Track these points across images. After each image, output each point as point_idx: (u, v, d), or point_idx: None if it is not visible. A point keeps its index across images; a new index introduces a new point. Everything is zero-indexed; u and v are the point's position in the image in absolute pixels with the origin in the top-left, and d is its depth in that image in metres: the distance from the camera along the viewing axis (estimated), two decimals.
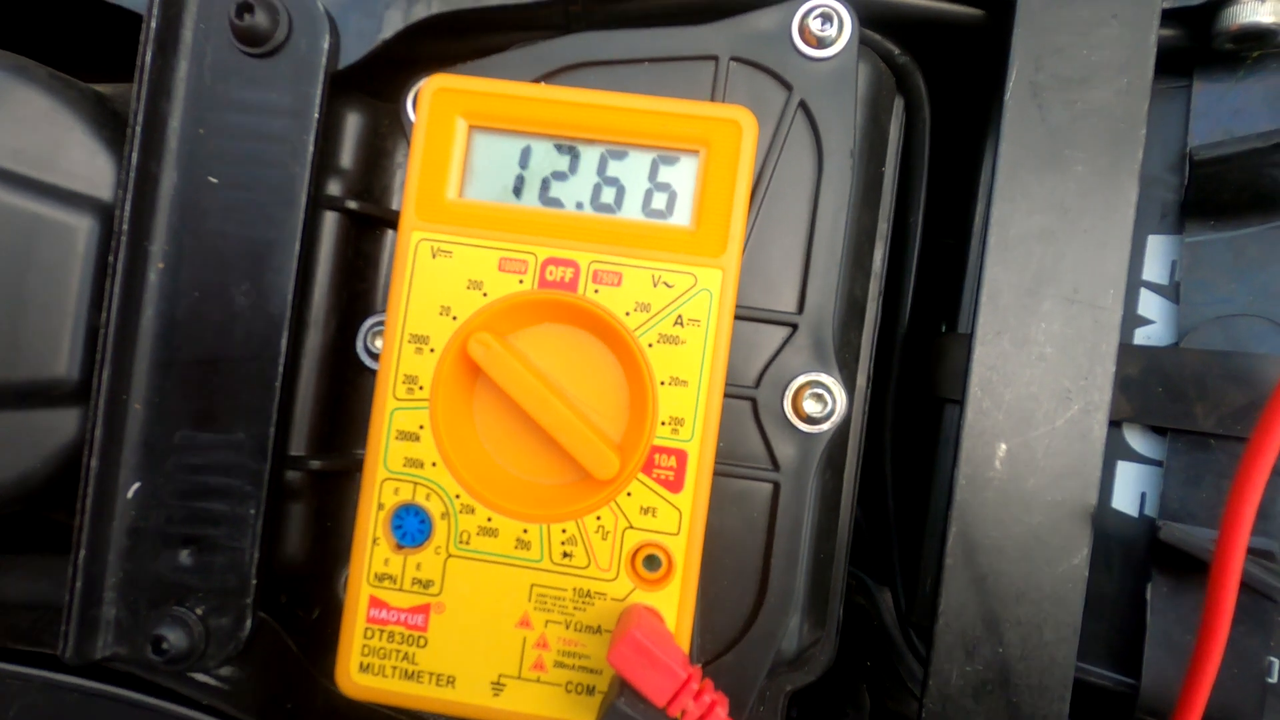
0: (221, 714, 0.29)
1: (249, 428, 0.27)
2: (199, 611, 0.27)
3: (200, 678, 0.29)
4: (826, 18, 0.28)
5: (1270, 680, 0.26)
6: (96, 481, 0.26)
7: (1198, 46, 0.28)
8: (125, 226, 0.26)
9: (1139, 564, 0.29)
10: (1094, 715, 0.29)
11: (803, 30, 0.28)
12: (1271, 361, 0.26)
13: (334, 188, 0.30)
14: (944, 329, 0.36)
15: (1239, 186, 0.27)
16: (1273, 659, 0.26)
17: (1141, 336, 0.30)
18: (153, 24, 0.26)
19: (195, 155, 0.27)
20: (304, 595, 0.31)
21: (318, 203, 0.29)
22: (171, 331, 0.27)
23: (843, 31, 0.28)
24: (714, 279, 0.25)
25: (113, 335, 0.26)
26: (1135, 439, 0.29)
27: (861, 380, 0.33)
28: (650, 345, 0.25)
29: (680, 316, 0.25)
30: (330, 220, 0.30)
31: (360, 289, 0.31)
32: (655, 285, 0.25)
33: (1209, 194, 0.28)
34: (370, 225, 0.31)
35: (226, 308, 0.27)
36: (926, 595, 0.33)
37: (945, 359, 0.33)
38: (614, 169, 0.26)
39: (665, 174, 0.26)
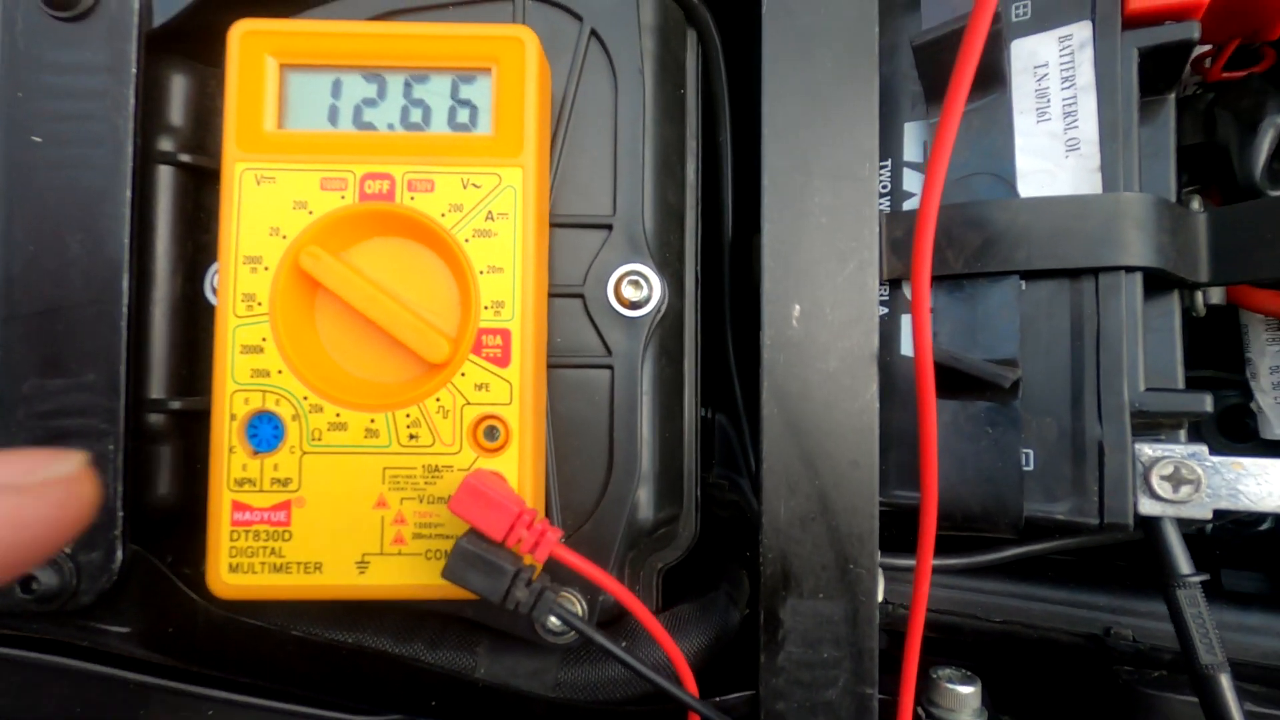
0: (105, 654, 0.30)
1: (98, 369, 0.29)
2: (67, 550, 0.28)
3: (83, 623, 0.30)
4: None
5: (1028, 468, 0.31)
6: None
7: None
8: None
9: None
10: (904, 530, 0.33)
11: None
12: (994, 205, 0.32)
13: (166, 144, 0.31)
14: (757, 232, 0.40)
15: (953, 67, 0.33)
16: (1027, 450, 0.31)
17: (909, 207, 0.35)
18: None
19: (16, 117, 0.28)
20: (189, 552, 0.32)
21: (150, 157, 0.31)
22: (9, 286, 0.28)
23: None
24: (516, 176, 0.28)
25: None
26: (911, 293, 0.34)
27: (690, 282, 0.37)
28: (467, 240, 0.28)
29: (490, 212, 0.28)
30: (165, 174, 0.31)
31: (204, 240, 0.33)
32: (465, 187, 0.28)
33: (935, 78, 0.33)
34: (207, 179, 0.33)
35: (61, 256, 0.29)
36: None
37: (759, 254, 0.38)
38: (419, 91, 0.29)
39: (465, 91, 0.29)
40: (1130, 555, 0.42)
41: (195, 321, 0.32)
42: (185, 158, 0.31)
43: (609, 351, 0.32)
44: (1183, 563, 0.30)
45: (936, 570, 0.37)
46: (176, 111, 0.32)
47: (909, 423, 0.34)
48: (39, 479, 0.17)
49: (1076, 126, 0.32)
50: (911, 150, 0.35)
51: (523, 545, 0.25)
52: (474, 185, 0.28)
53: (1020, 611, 0.40)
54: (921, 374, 0.23)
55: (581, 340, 0.32)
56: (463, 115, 0.29)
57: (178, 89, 0.32)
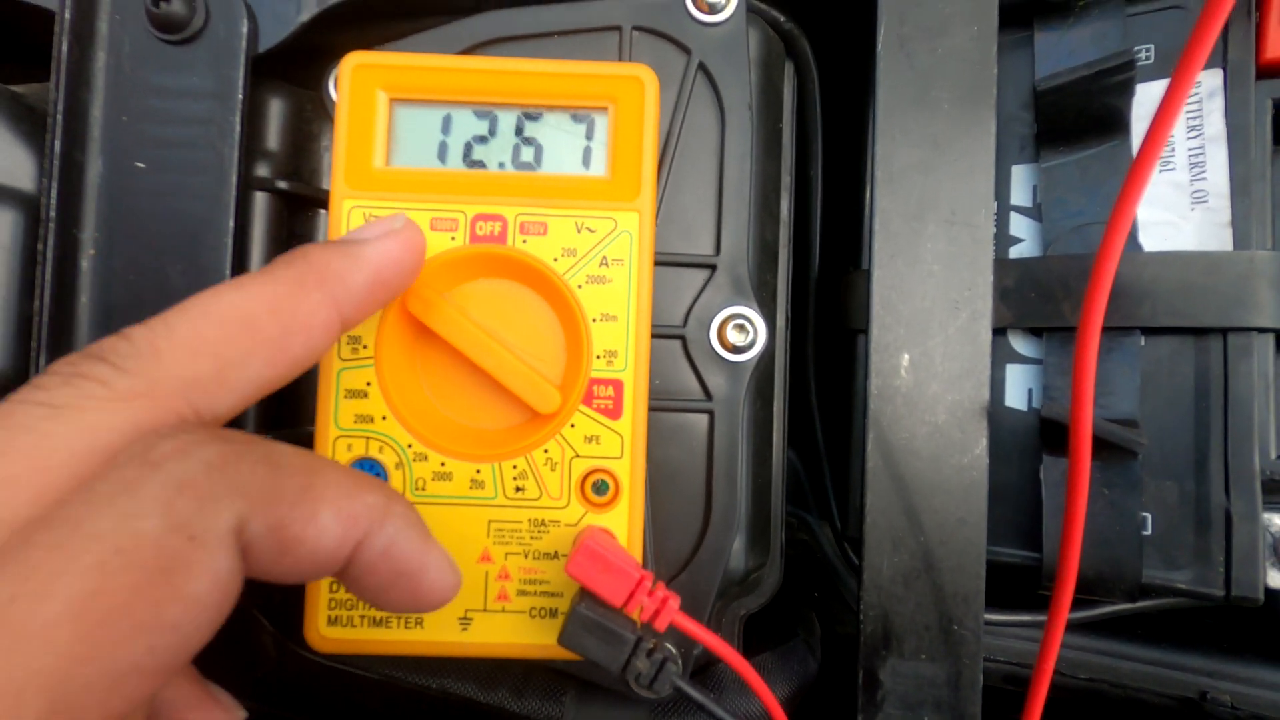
0: None
1: None
2: None
3: None
4: None
5: (1145, 533, 0.30)
6: None
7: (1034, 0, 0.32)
8: (53, 214, 0.26)
9: (1033, 451, 0.32)
10: (1008, 590, 0.32)
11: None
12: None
13: (262, 170, 0.30)
14: (850, 271, 0.39)
15: (1076, 112, 0.31)
16: (1145, 514, 0.30)
17: (1015, 253, 0.34)
18: (67, 15, 0.26)
19: (120, 142, 0.28)
20: (273, 591, 0.32)
21: (248, 183, 0.30)
22: (108, 317, 0.28)
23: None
24: (632, 221, 0.27)
25: (48, 322, 0.27)
26: (1018, 343, 0.33)
27: (781, 320, 0.36)
28: (580, 286, 0.27)
29: (605, 258, 0.27)
30: (261, 201, 0.30)
31: None
32: (579, 231, 0.27)
33: (1054, 122, 0.32)
34: (302, 205, 0.32)
35: (163, 288, 0.28)
36: (857, 507, 0.36)
37: (853, 293, 0.37)
38: (530, 129, 0.28)
39: (579, 130, 0.28)
40: (1219, 615, 0.41)
41: None
42: (282, 184, 0.30)
43: (709, 396, 0.31)
44: None
45: (1026, 625, 0.36)
46: (274, 137, 0.31)
47: (1010, 477, 0.33)
48: (383, 231, 0.24)
49: (1204, 178, 0.31)
50: (1020, 194, 0.34)
51: (643, 613, 0.24)
52: (588, 229, 0.27)
53: (1107, 669, 0.38)
54: (1079, 439, 0.22)
55: (680, 383, 0.31)
56: (576, 156, 0.28)
57: (275, 113, 0.31)
